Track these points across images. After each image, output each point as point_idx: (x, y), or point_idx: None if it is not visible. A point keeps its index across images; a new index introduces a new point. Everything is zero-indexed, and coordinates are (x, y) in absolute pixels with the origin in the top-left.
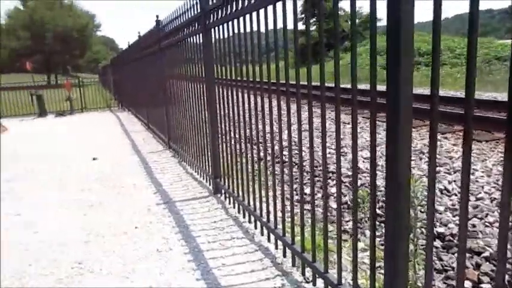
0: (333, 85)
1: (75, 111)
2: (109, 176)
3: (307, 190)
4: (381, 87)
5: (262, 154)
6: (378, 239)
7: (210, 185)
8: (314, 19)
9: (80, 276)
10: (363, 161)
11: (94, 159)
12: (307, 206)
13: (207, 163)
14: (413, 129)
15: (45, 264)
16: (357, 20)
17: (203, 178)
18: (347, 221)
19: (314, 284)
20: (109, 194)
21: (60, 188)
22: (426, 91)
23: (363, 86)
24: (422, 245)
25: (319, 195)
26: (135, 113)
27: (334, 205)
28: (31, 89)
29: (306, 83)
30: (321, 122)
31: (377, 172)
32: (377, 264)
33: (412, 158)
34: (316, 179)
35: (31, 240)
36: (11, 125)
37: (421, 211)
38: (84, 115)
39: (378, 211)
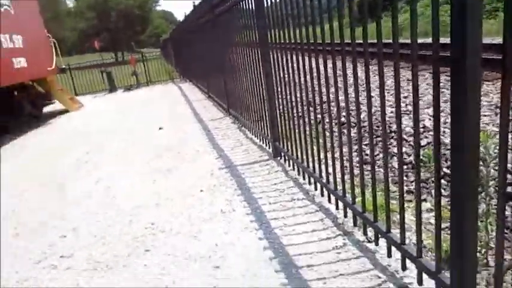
0: (391, 41)
1: (141, 85)
2: (174, 143)
3: (369, 151)
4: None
5: (320, 116)
6: (446, 199)
7: (269, 148)
8: None
9: (152, 236)
10: (429, 119)
11: (160, 128)
12: (368, 167)
13: (265, 127)
14: (489, 83)
15: (122, 225)
16: None
17: (263, 142)
18: (411, 181)
19: (376, 244)
20: (175, 160)
21: (132, 157)
22: None
23: (430, 40)
24: (495, 205)
25: (381, 155)
26: (195, 83)
27: (397, 165)
28: (101, 67)
29: (361, 41)
30: (378, 78)
31: (445, 130)
32: (445, 225)
33: (487, 114)
34: (378, 139)
35: (110, 204)
36: (86, 101)
37: (494, 169)
38: (149, 88)
39: (447, 170)
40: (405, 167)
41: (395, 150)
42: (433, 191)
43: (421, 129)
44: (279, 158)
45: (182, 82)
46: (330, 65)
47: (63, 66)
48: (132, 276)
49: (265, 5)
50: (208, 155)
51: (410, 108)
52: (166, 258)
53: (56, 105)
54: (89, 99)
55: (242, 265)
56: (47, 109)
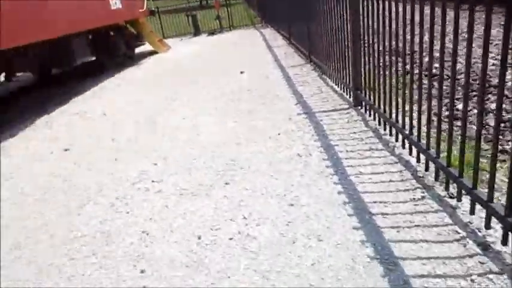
0: None
1: (224, 30)
2: (255, 87)
3: (461, 106)
4: None
5: (409, 66)
6: None
7: (350, 97)
8: None
9: (232, 171)
10: None
11: (242, 72)
12: (458, 123)
13: (347, 75)
14: None
15: (205, 159)
16: None
17: (343, 91)
18: (507, 141)
19: (459, 200)
20: (255, 103)
21: (216, 98)
22: None
23: None
24: None
25: (475, 111)
26: (277, 29)
27: (493, 122)
28: (186, 10)
29: None
30: (485, 26)
31: None
32: None
33: None
34: (473, 93)
35: (195, 140)
36: (173, 43)
37: None
38: (231, 33)
39: None
40: (502, 124)
41: (491, 106)
42: None
43: None
44: (359, 107)
45: (264, 27)
46: (426, 11)
47: (153, 9)
48: (213, 204)
49: None
50: (288, 100)
51: None
52: (244, 192)
53: (146, 47)
54: (176, 41)
55: (315, 206)
56: (137, 50)
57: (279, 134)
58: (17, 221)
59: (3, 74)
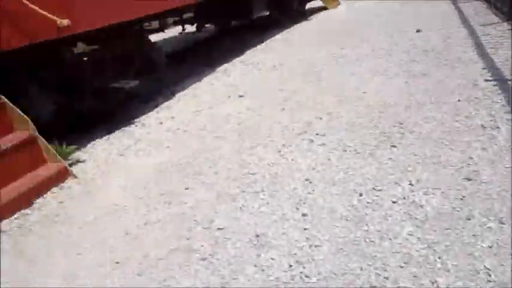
0: None
1: None
2: (432, 48)
3: None
4: None
5: None
6: None
7: None
8: None
9: (400, 134)
10: None
11: (418, 31)
12: None
13: None
14: None
15: (371, 119)
16: None
17: None
18: None
19: None
20: (432, 65)
21: (385, 57)
22: None
23: None
24: None
25: None
26: None
27: None
28: None
29: None
30: None
31: None
32: None
33: None
34: None
35: (361, 98)
36: None
37: None
38: None
39: None
40: None
41: None
42: None
43: None
44: None
45: None
46: None
47: None
48: (377, 164)
49: None
50: (473, 64)
51: None
52: (412, 158)
53: (316, 3)
54: None
55: (500, 184)
56: (308, 5)
57: (458, 101)
58: (200, 153)
59: (195, 25)
